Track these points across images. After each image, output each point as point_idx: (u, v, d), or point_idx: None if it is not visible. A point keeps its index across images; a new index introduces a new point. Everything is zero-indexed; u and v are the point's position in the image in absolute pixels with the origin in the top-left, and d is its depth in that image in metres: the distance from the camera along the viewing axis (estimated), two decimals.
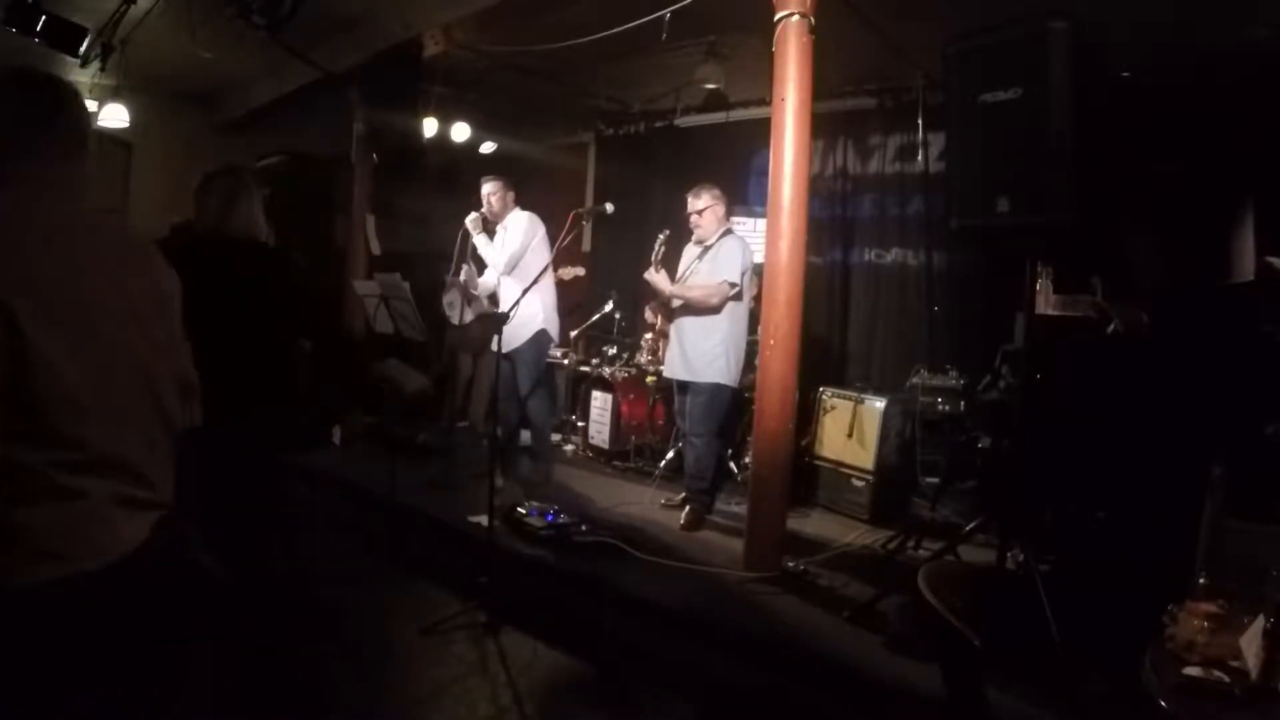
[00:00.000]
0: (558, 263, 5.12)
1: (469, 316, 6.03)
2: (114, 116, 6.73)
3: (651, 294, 4.83)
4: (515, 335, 4.82)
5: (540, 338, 4.92)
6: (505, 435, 5.21)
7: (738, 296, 4.33)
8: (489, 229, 5.02)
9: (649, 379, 5.72)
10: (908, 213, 5.76)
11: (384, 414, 6.12)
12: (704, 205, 4.44)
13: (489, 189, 4.94)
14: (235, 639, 2.89)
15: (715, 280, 4.31)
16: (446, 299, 6.10)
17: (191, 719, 2.68)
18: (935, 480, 4.70)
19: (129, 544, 1.30)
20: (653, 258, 4.52)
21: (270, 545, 3.00)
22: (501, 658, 3.23)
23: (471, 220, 4.95)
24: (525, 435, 5.31)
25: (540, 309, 4.86)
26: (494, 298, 5.14)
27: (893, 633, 3.08)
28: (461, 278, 5.21)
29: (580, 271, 5.95)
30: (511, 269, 4.82)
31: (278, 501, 3.09)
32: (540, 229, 4.84)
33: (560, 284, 5.29)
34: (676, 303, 4.48)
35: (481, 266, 5.13)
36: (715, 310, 4.33)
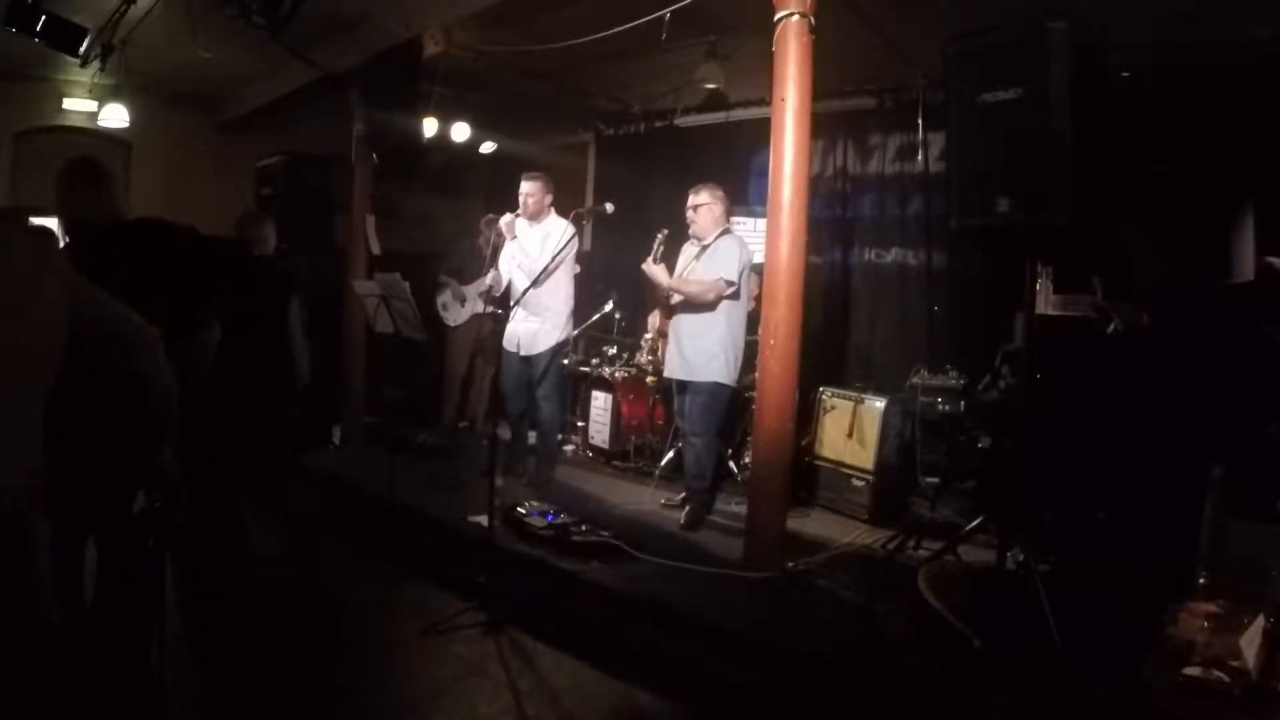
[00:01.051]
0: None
1: (463, 317, 6.04)
2: (114, 116, 6.73)
3: (653, 292, 4.83)
4: (539, 341, 4.86)
5: (562, 347, 4.99)
6: (513, 435, 5.23)
7: (735, 296, 4.32)
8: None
9: (649, 379, 5.72)
10: (908, 213, 5.75)
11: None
12: (702, 202, 4.45)
13: (528, 188, 4.81)
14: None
15: (712, 278, 4.31)
16: (440, 300, 6.09)
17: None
18: (935, 480, 4.70)
19: None
20: (653, 253, 4.52)
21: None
22: (501, 658, 3.23)
23: (506, 222, 4.81)
24: (530, 435, 5.34)
25: (565, 318, 4.92)
26: (504, 297, 5.11)
27: (893, 633, 3.08)
28: (488, 280, 5.16)
29: (576, 269, 5.94)
30: (545, 277, 4.55)
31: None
32: (576, 240, 4.65)
33: None
34: (676, 299, 4.48)
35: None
36: (712, 308, 4.33)
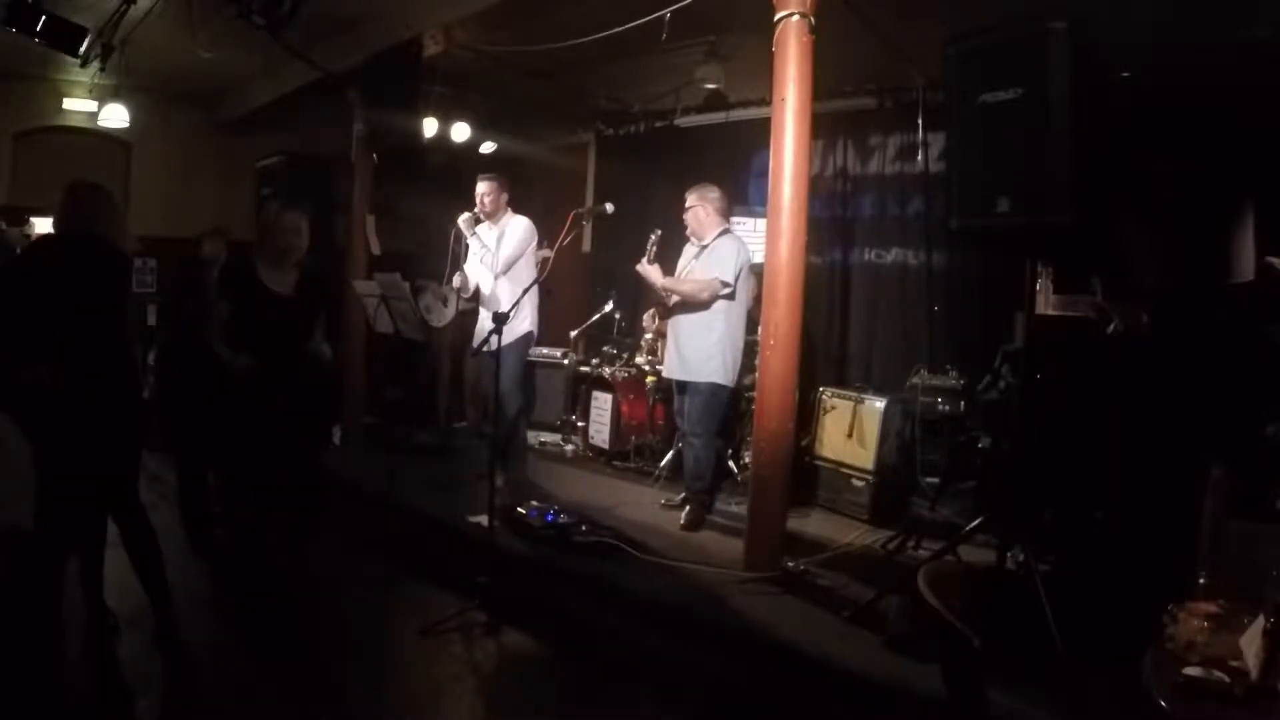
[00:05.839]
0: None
1: (445, 319, 6.04)
2: (114, 116, 6.73)
3: (650, 293, 4.83)
4: (502, 335, 4.82)
5: (525, 340, 4.96)
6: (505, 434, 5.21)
7: (730, 296, 4.32)
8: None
9: (649, 379, 5.72)
10: (908, 213, 5.76)
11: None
12: (688, 205, 4.49)
13: (484, 188, 4.96)
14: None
15: (708, 278, 4.31)
16: (422, 303, 6.10)
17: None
18: (935, 480, 4.70)
19: None
20: (647, 254, 4.52)
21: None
22: (501, 658, 3.23)
23: (465, 220, 4.95)
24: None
25: (528, 312, 4.88)
26: (476, 297, 5.13)
27: (893, 633, 3.08)
28: (455, 282, 5.19)
29: (548, 253, 5.89)
30: (507, 270, 4.85)
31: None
32: (535, 237, 4.94)
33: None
34: (673, 300, 4.49)
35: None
36: (710, 309, 4.33)
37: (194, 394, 4.26)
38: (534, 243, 4.92)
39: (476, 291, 5.11)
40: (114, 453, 3.10)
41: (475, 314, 5.44)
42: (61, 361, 2.85)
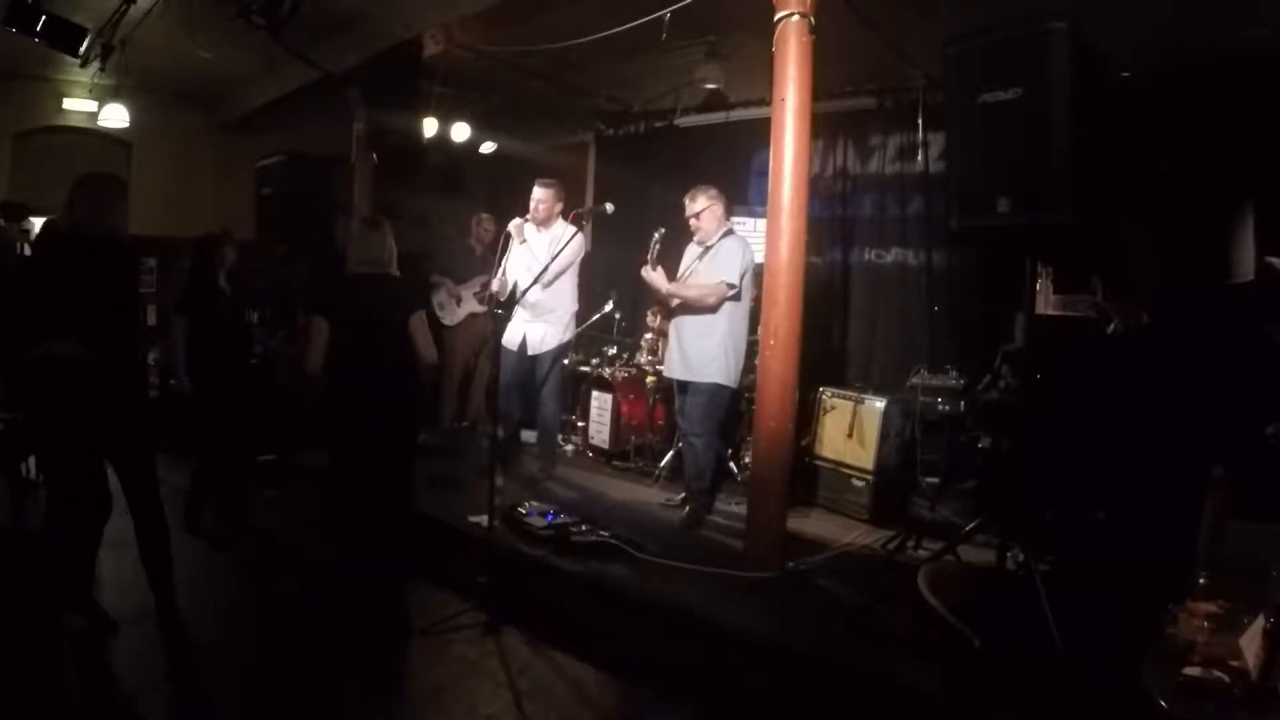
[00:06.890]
0: None
1: (460, 316, 6.06)
2: (114, 116, 6.73)
3: (652, 294, 4.83)
4: (546, 341, 4.96)
5: (566, 348, 5.17)
6: (508, 433, 5.24)
7: (736, 297, 4.31)
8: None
9: (649, 379, 5.72)
10: (908, 213, 5.75)
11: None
12: (701, 207, 4.43)
13: (540, 194, 4.95)
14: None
15: (714, 280, 4.31)
16: (435, 299, 6.12)
17: None
18: (935, 480, 4.70)
19: None
20: (649, 256, 4.51)
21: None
22: (501, 658, 3.23)
23: (515, 225, 4.95)
24: (528, 434, 5.38)
25: (571, 319, 5.06)
26: (511, 300, 5.15)
27: (893, 633, 3.08)
28: (494, 286, 5.20)
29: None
30: (552, 281, 4.73)
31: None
32: (584, 251, 4.94)
33: None
34: (675, 302, 4.48)
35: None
36: (713, 309, 4.33)
37: (237, 393, 4.38)
38: (583, 250, 4.94)
39: (513, 293, 5.10)
40: (129, 449, 3.13)
41: (491, 315, 5.46)
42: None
